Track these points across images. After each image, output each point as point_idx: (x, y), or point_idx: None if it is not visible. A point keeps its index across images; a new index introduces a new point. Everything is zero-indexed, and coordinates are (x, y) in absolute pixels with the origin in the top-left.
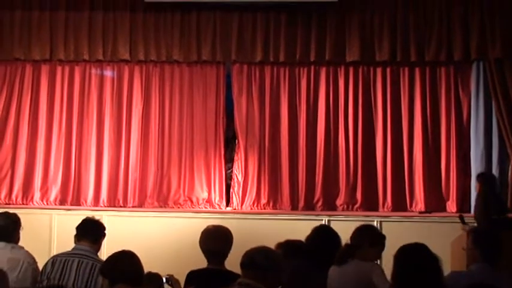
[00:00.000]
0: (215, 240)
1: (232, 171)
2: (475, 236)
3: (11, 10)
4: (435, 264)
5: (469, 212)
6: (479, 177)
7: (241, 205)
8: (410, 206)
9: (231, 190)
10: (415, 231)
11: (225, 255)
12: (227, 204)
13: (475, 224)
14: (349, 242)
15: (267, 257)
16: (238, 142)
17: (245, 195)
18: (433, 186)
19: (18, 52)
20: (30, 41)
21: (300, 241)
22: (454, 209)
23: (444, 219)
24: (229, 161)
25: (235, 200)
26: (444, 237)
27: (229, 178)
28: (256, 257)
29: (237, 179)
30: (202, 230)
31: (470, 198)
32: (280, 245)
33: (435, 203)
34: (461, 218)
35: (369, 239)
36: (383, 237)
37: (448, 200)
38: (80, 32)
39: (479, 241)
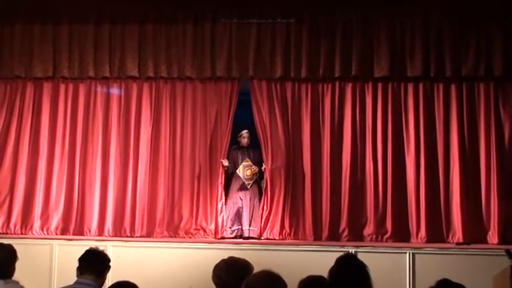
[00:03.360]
0: (227, 273)
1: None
2: None
3: (11, 24)
4: None
5: None
6: None
7: (260, 234)
8: (447, 236)
9: (242, 219)
10: (453, 265)
11: None
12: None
13: None
14: None
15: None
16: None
17: (266, 223)
18: (473, 214)
19: (18, 69)
20: (32, 57)
21: (322, 277)
22: (496, 240)
23: (485, 251)
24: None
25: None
26: (485, 272)
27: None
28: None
29: None
30: (215, 262)
31: None
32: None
33: (475, 233)
34: (509, 252)
35: None
36: None
37: (489, 229)
38: (84, 47)
39: None
